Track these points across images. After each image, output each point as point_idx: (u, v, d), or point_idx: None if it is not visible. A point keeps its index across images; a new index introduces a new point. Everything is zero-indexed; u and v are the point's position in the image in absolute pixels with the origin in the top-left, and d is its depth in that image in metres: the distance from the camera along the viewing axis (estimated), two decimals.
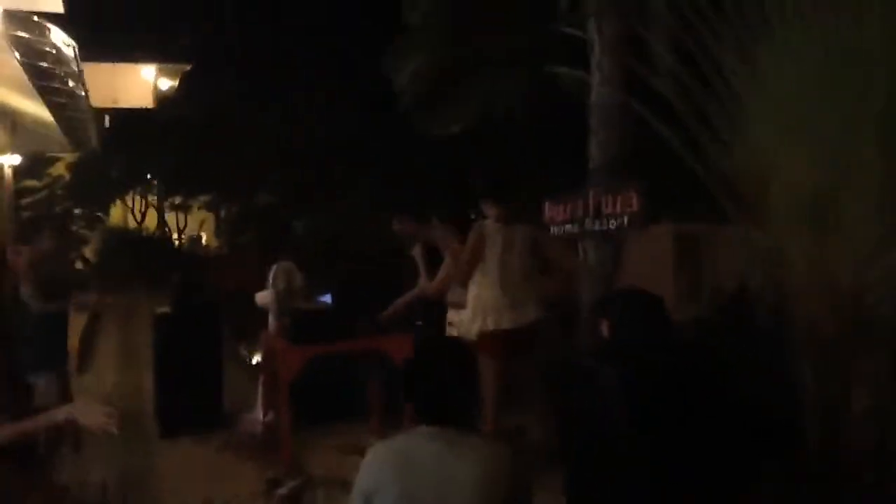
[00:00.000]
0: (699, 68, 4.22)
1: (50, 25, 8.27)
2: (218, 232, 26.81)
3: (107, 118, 23.94)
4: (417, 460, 2.35)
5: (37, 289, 4.90)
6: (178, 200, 27.03)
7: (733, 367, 3.86)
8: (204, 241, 31.13)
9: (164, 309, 6.45)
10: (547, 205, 4.11)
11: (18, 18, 7.86)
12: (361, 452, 2.51)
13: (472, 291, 4.55)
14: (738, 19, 3.83)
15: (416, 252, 5.53)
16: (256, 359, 7.46)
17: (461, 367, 2.48)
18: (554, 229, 4.06)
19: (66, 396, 5.13)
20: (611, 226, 3.63)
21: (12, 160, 18.93)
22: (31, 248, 5.02)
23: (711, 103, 4.12)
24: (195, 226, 30.46)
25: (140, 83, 27.05)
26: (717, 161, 4.13)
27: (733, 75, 4.02)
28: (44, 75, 9.51)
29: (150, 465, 5.43)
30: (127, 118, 22.67)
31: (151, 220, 28.73)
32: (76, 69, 9.69)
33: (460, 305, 5.05)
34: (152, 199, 28.41)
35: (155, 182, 25.42)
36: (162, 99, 24.62)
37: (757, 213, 4.04)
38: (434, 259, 5.36)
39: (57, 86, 10.23)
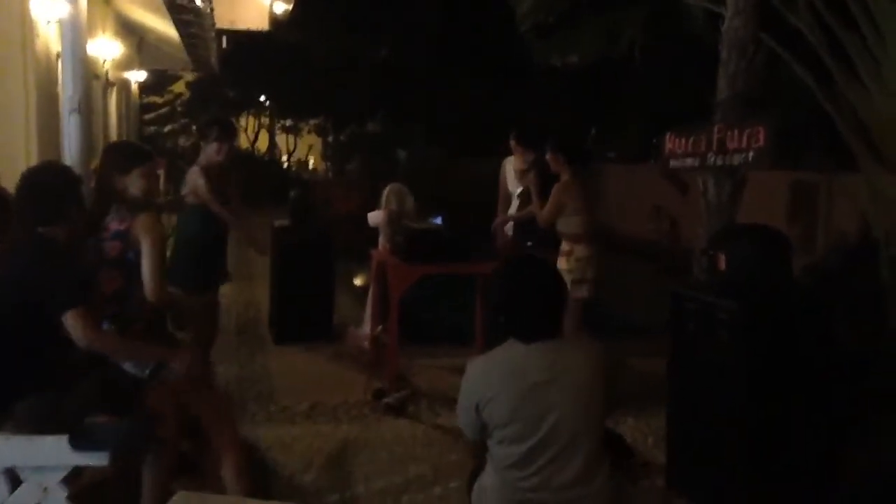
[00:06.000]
0: (843, 6, 4.04)
1: None
2: (325, 156, 27.41)
3: (224, 39, 24.48)
4: (521, 367, 2.43)
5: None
6: (288, 123, 27.67)
7: (847, 314, 3.80)
8: (311, 165, 31.84)
9: (283, 222, 6.69)
10: (668, 137, 4.04)
11: None
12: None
13: None
14: None
15: (530, 179, 5.55)
16: (359, 281, 7.71)
17: (548, 284, 2.51)
18: (673, 162, 4.01)
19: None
20: (734, 161, 3.56)
21: (139, 76, 19.77)
22: (204, 153, 4.91)
23: (853, 44, 3.96)
24: (304, 150, 31.17)
25: (256, 5, 27.44)
26: (854, 104, 3.99)
27: (881, 15, 3.84)
28: None
29: (266, 368, 5.75)
30: (243, 40, 23.12)
31: (262, 142, 29.56)
32: None
33: (573, 237, 5.10)
34: (265, 120, 29.14)
35: (268, 104, 26.01)
36: (276, 22, 24.97)
37: (891, 161, 3.91)
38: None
39: (185, 3, 10.56)
